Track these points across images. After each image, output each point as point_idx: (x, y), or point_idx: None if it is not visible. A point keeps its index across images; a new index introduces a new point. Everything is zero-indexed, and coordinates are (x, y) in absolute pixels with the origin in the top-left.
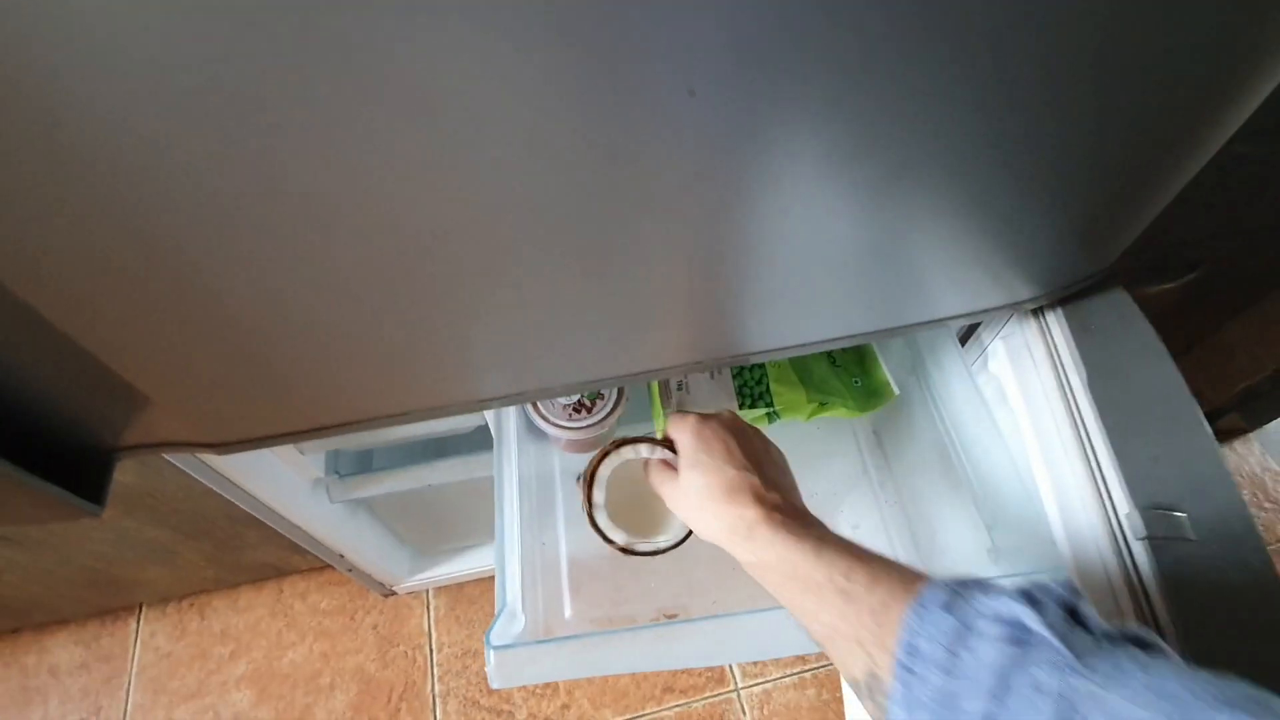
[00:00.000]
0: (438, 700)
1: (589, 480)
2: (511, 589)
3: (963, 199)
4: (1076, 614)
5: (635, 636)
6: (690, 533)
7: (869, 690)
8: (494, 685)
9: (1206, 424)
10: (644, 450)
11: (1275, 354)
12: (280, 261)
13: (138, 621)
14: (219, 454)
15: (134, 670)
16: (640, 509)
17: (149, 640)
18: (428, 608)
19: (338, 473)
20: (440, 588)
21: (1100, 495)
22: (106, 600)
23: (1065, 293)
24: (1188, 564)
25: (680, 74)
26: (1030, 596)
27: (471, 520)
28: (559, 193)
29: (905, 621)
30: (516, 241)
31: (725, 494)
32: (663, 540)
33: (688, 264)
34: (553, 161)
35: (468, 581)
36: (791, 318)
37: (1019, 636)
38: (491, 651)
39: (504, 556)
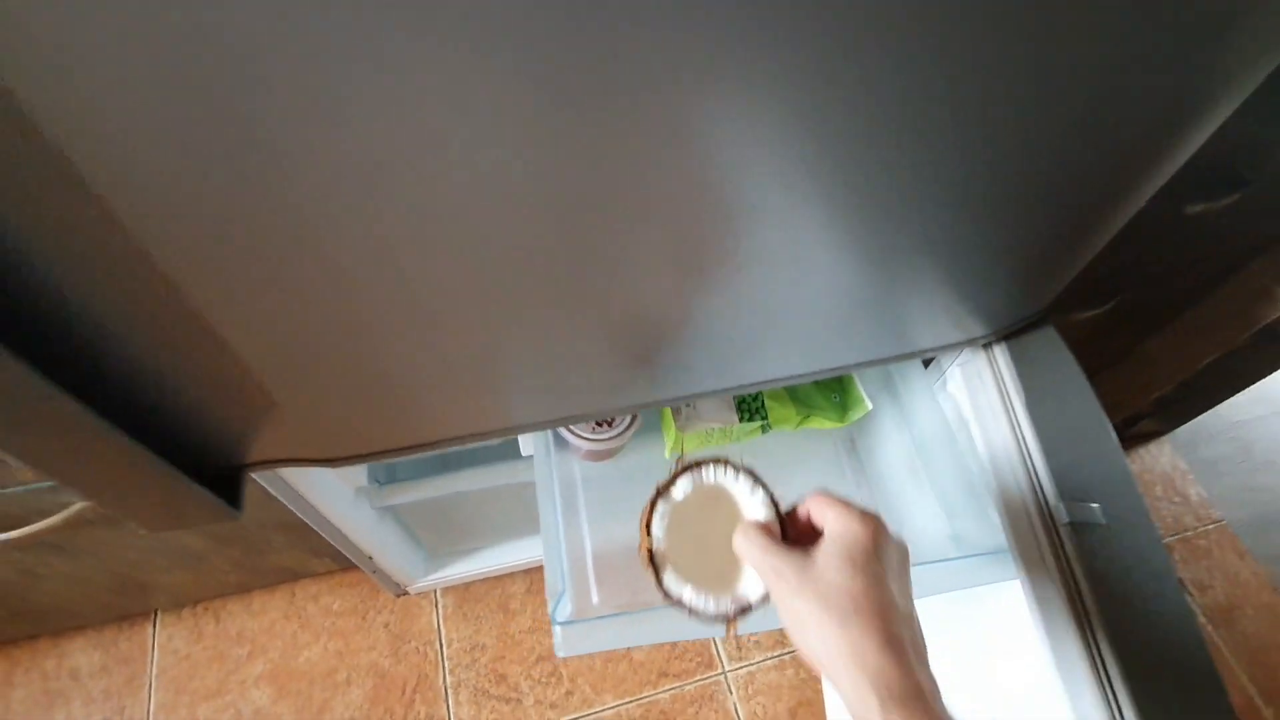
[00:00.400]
0: (450, 690)
1: (652, 503)
2: (563, 577)
3: (937, 261)
4: None
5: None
6: (765, 598)
7: None
8: (560, 654)
9: (1115, 435)
10: (746, 488)
11: (1184, 366)
12: (428, 291)
13: (154, 626)
14: (331, 467)
15: (154, 672)
16: (695, 547)
17: (166, 644)
18: (436, 606)
19: (377, 481)
20: (448, 587)
21: (1035, 490)
22: (125, 605)
23: (1009, 330)
24: (1101, 542)
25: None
26: None
27: (482, 523)
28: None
29: None
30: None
31: (882, 621)
32: (728, 603)
33: (715, 318)
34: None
35: (474, 581)
36: (787, 355)
37: None
38: (558, 627)
39: (556, 550)
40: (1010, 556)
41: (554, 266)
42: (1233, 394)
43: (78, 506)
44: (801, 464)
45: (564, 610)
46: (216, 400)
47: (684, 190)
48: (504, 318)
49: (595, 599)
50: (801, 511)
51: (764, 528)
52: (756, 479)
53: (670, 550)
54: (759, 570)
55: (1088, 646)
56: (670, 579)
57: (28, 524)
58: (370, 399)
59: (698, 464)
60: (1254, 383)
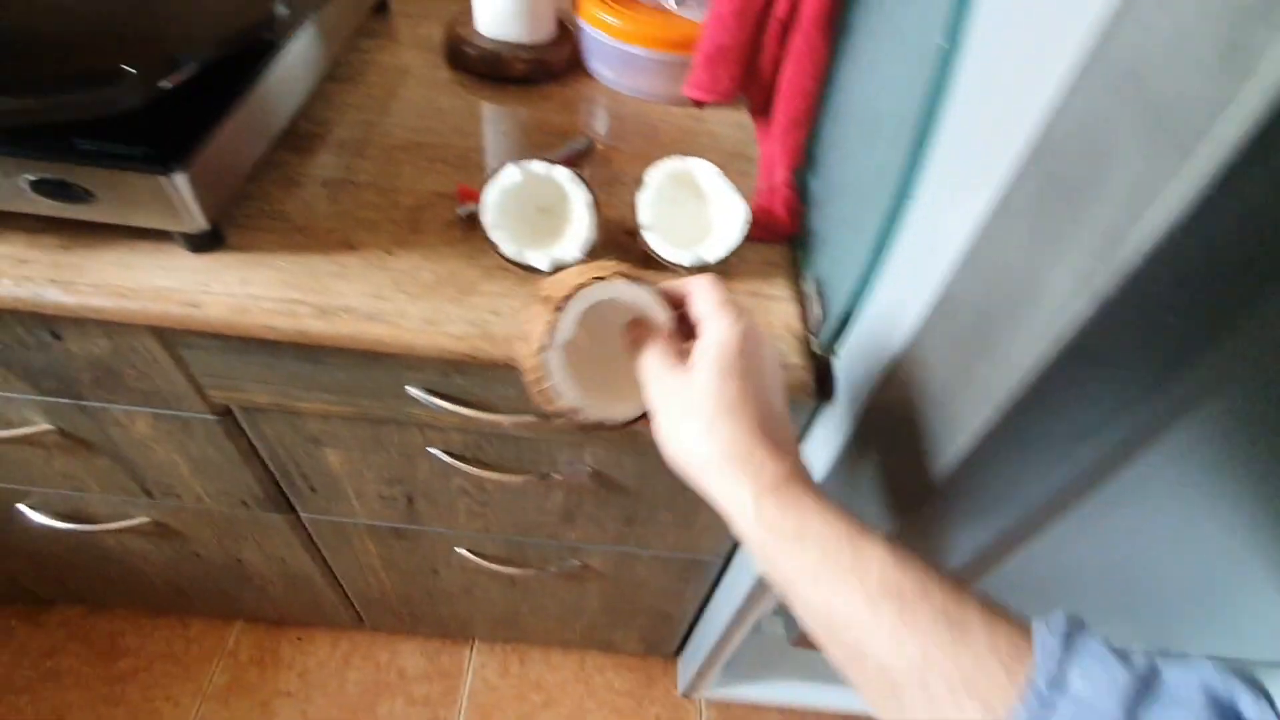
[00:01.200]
0: None
1: (557, 306)
2: None
3: None
4: None
5: None
6: (643, 415)
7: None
8: None
9: None
10: (645, 297)
11: None
12: None
13: (471, 651)
14: None
15: (466, 692)
16: (593, 362)
17: (479, 670)
18: (700, 714)
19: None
20: (716, 702)
21: None
22: (453, 626)
23: None
24: None
25: None
26: (1242, 681)
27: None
28: None
29: (1046, 647)
30: None
31: (758, 423)
32: (617, 412)
33: None
34: None
35: (741, 704)
36: None
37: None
38: None
39: None
40: None
41: None
42: None
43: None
44: None
45: None
46: None
47: None
48: None
49: None
50: (679, 295)
51: (654, 333)
52: (654, 289)
53: (569, 360)
54: (642, 369)
55: None
56: (561, 384)
57: None
58: None
59: (602, 277)
60: None
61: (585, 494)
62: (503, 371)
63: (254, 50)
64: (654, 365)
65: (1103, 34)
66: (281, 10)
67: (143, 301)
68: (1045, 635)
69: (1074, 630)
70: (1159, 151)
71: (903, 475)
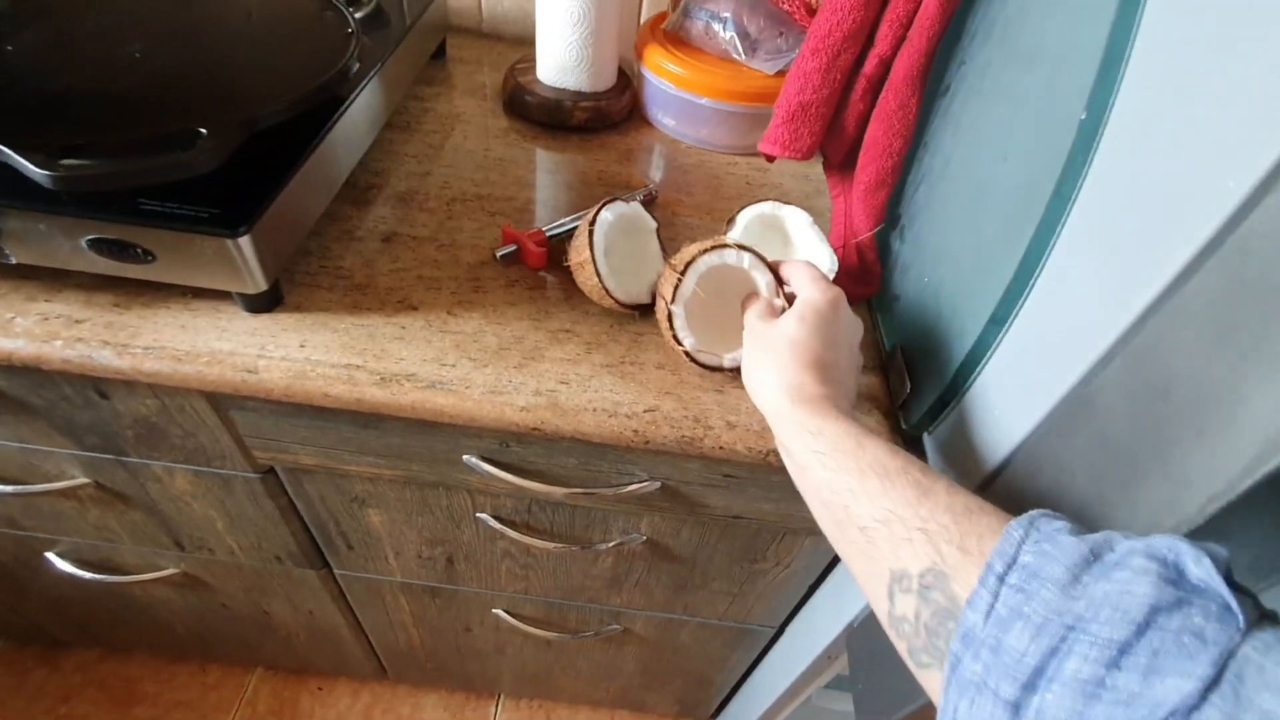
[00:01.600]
0: None
1: (683, 269)
2: None
3: None
4: (1235, 582)
5: None
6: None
7: (920, 584)
8: None
9: None
10: (751, 262)
11: None
12: None
13: (497, 705)
14: None
15: None
16: (712, 319)
17: None
18: None
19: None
20: None
21: None
22: (478, 682)
23: None
24: None
25: None
26: (1189, 544)
27: None
28: None
29: (1007, 532)
30: None
31: (818, 367)
32: (727, 359)
33: None
34: None
35: None
36: None
37: (1174, 579)
38: None
39: None
40: None
41: None
42: None
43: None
44: None
45: None
46: None
47: None
48: None
49: None
50: (783, 273)
51: (760, 298)
52: (759, 257)
53: (688, 311)
54: (748, 322)
55: None
56: (681, 331)
57: None
58: None
59: (717, 246)
60: None
61: (637, 560)
62: (566, 443)
63: (322, 105)
64: (751, 317)
65: None
66: (354, 65)
67: (198, 366)
68: (1015, 526)
69: (1038, 517)
70: None
71: None
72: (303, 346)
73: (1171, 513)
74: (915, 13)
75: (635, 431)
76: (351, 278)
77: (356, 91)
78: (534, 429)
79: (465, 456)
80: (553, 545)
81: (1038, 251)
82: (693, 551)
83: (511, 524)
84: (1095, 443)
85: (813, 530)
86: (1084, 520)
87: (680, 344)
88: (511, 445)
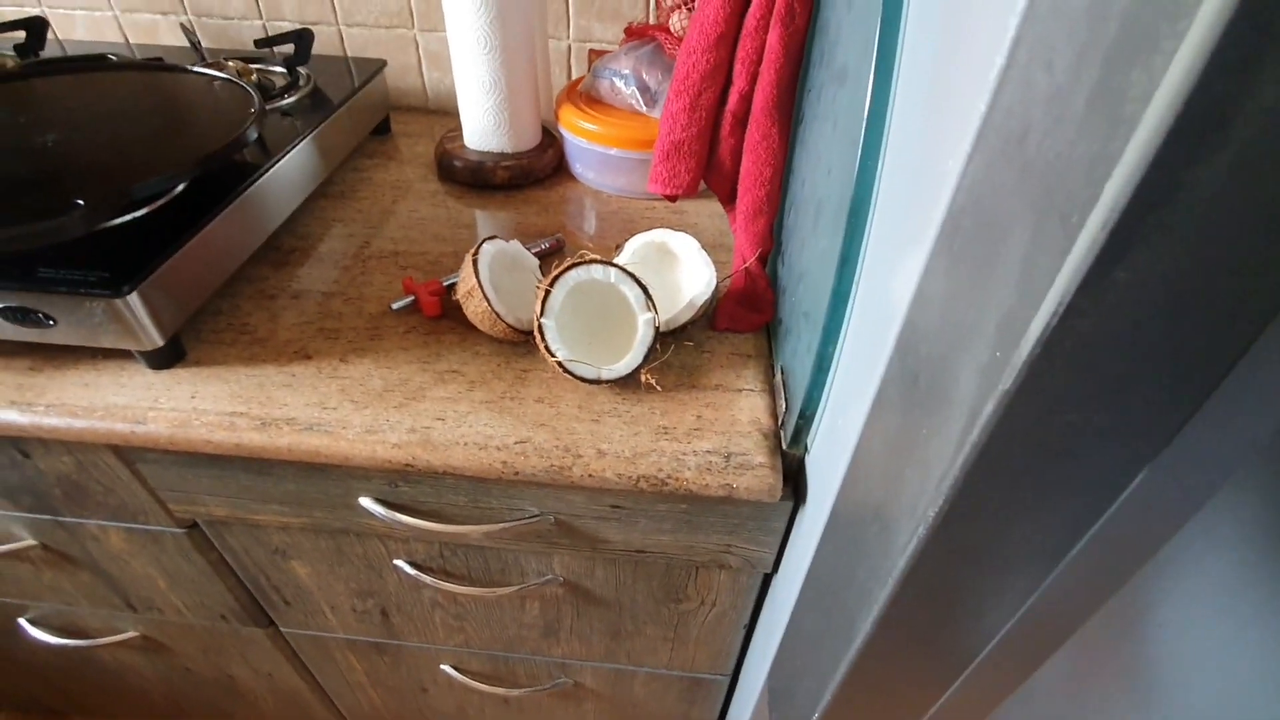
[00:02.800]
0: None
1: (550, 283)
2: None
3: None
4: None
5: None
6: (634, 372)
7: None
8: None
9: None
10: (626, 286)
11: None
12: None
13: None
14: None
15: None
16: (595, 335)
17: None
18: None
19: None
20: None
21: None
22: None
23: None
24: None
25: None
26: None
27: None
28: None
29: None
30: None
31: None
32: (605, 371)
33: None
34: None
35: None
36: None
37: None
38: None
39: None
40: None
41: None
42: None
43: None
44: None
45: None
46: None
47: None
48: None
49: None
50: None
51: None
52: (627, 273)
53: (561, 325)
54: None
55: None
56: (554, 344)
57: None
58: None
59: (584, 263)
60: None
61: (563, 605)
62: (451, 480)
63: (233, 172)
64: None
65: (991, 94)
66: (251, 135)
67: (90, 420)
68: None
69: None
70: (1045, 223)
71: (851, 594)
72: (193, 397)
73: (923, 493)
74: (763, 49)
75: (504, 463)
76: (254, 333)
77: (272, 163)
78: (406, 465)
79: (360, 499)
80: (471, 590)
81: (845, 260)
82: (614, 593)
83: (429, 569)
84: (883, 441)
85: (723, 564)
86: (879, 524)
87: (553, 355)
88: (400, 485)
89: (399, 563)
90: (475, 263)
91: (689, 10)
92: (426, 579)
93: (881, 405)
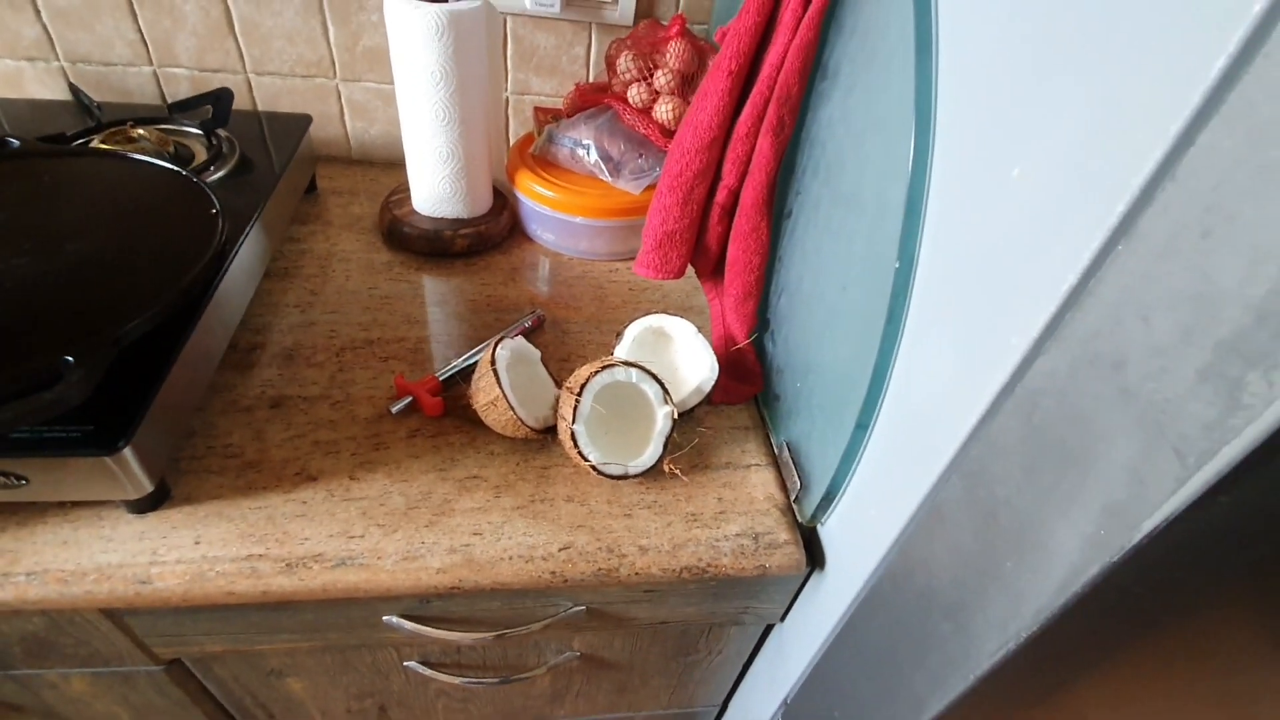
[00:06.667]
0: None
1: (579, 390)
2: None
3: None
4: None
5: None
6: (656, 464)
7: None
8: None
9: None
10: (646, 384)
11: None
12: None
13: None
14: None
15: None
16: (612, 430)
17: None
18: None
19: None
20: None
21: None
22: None
23: None
24: None
25: None
26: None
27: None
28: None
29: None
30: None
31: None
32: (631, 467)
33: None
34: None
35: None
36: None
37: None
38: None
39: None
40: None
41: None
42: None
43: None
44: None
45: None
46: None
47: None
48: None
49: None
50: None
51: None
52: (645, 370)
53: (588, 427)
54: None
55: None
56: (586, 448)
57: None
58: None
59: (606, 366)
60: None
61: (575, 675)
62: (487, 591)
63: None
64: None
65: (1065, 303)
66: (224, 231)
67: (85, 585)
68: None
69: None
70: (1158, 451)
71: (918, 674)
72: (198, 543)
73: (1015, 618)
74: (753, 152)
75: (553, 573)
76: (242, 454)
77: (229, 260)
78: (453, 588)
79: (386, 618)
80: (488, 682)
81: (882, 371)
82: (628, 658)
83: (442, 666)
84: (952, 552)
85: (738, 622)
86: (953, 624)
87: (587, 459)
88: (433, 600)
89: (411, 664)
90: (496, 373)
91: (672, 100)
92: (441, 676)
93: (943, 520)
